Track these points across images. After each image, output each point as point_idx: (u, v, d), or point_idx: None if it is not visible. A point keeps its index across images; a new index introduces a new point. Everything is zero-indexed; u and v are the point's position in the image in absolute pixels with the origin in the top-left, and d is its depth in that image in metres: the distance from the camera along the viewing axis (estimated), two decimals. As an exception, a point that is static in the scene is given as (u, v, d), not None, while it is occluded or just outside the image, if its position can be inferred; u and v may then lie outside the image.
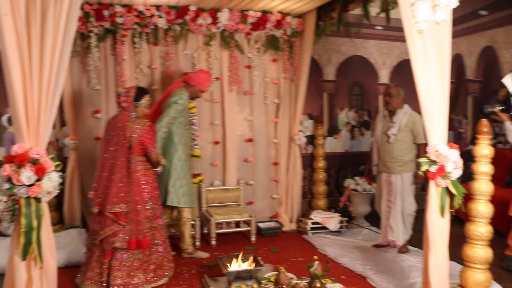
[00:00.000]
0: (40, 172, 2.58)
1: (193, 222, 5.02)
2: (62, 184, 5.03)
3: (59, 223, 5.30)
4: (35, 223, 2.63)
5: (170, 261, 4.17)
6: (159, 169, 4.16)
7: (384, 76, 6.93)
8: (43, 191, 2.60)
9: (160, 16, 5.31)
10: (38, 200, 2.65)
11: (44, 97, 2.68)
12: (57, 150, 5.53)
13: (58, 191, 2.72)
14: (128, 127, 3.87)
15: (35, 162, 2.60)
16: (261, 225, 5.60)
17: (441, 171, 3.11)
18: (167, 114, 4.54)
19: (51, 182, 2.63)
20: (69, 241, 4.71)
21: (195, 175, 4.98)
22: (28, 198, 2.63)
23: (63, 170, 5.07)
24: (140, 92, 4.05)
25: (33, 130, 2.67)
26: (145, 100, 4.04)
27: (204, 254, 4.81)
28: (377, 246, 5.06)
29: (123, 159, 3.87)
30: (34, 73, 2.65)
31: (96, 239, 3.86)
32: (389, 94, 4.79)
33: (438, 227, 3.17)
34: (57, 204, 5.29)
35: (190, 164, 4.82)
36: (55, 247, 4.40)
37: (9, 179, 2.59)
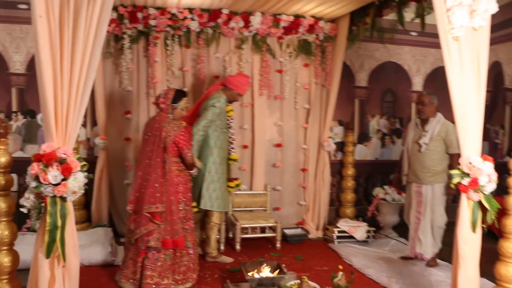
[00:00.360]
0: (66, 172, 2.61)
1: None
2: (90, 183, 5.29)
3: (87, 221, 5.36)
4: (59, 222, 2.65)
5: (197, 264, 4.17)
6: (194, 171, 4.18)
7: (417, 84, 6.78)
8: (68, 190, 2.62)
9: (192, 19, 5.34)
10: (63, 199, 2.68)
11: (73, 98, 2.71)
12: (88, 149, 5.63)
13: (83, 191, 2.74)
14: (164, 128, 3.91)
15: (62, 162, 2.63)
16: (287, 231, 5.53)
17: (474, 184, 3.00)
18: (204, 117, 4.52)
19: (76, 182, 2.65)
20: (95, 240, 4.75)
21: (232, 179, 4.92)
22: (54, 197, 2.65)
23: (91, 170, 5.27)
24: (179, 94, 4.06)
25: (61, 130, 2.70)
26: (183, 103, 4.06)
27: (228, 259, 4.78)
28: (404, 258, 4.93)
29: (158, 160, 3.91)
30: (64, 74, 2.68)
31: (132, 238, 3.92)
32: (422, 102, 4.67)
33: (469, 242, 3.06)
34: (85, 203, 5.36)
35: (225, 167, 4.78)
36: (80, 245, 4.56)
37: (36, 178, 2.63)
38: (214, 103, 4.56)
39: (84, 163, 2.80)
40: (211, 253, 4.75)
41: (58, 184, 2.61)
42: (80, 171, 2.71)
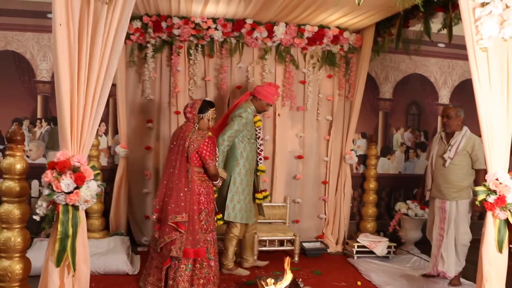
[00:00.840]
0: (79, 180, 2.58)
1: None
2: (109, 191, 5.33)
3: (105, 229, 5.35)
4: (70, 231, 2.63)
5: (218, 277, 4.13)
6: (218, 182, 4.20)
7: (444, 96, 6.62)
8: (80, 199, 2.60)
9: (216, 29, 5.31)
10: (76, 207, 2.66)
11: (89, 106, 2.69)
12: (108, 157, 5.65)
13: (95, 200, 2.71)
14: (188, 138, 3.93)
15: (75, 170, 2.61)
16: (306, 245, 5.44)
17: (501, 202, 2.88)
18: (230, 128, 4.50)
19: (89, 190, 2.62)
20: (112, 248, 4.76)
21: (260, 191, 4.86)
22: (66, 205, 2.64)
23: (111, 178, 5.31)
24: (205, 105, 4.06)
25: (76, 138, 2.69)
26: (209, 113, 4.04)
27: (244, 272, 4.72)
28: (426, 276, 4.76)
29: (182, 169, 3.94)
30: (81, 82, 2.67)
31: (157, 247, 3.97)
32: (448, 115, 4.53)
33: (495, 263, 2.93)
34: (104, 211, 5.36)
35: (251, 179, 4.71)
36: (97, 253, 4.59)
37: (49, 185, 2.61)
38: (241, 113, 4.54)
39: (98, 171, 2.78)
40: (227, 265, 4.70)
41: (71, 192, 2.59)
42: (93, 179, 2.68)
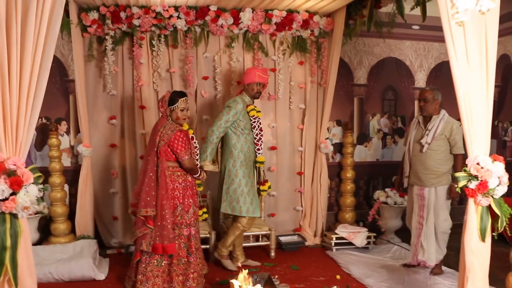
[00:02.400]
0: (16, 185, 2.29)
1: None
2: (74, 193, 5.06)
3: (71, 233, 5.09)
4: (9, 242, 2.34)
5: (200, 274, 3.99)
6: (200, 176, 4.18)
7: (420, 80, 6.46)
8: (18, 206, 2.31)
9: (179, 17, 5.06)
10: (14, 216, 2.37)
11: (24, 103, 2.40)
12: (72, 157, 5.37)
13: (37, 206, 2.43)
14: (158, 132, 3.88)
15: (10, 174, 2.32)
16: (282, 239, 5.26)
17: (483, 188, 2.68)
18: (219, 118, 4.44)
19: (28, 196, 2.34)
20: (77, 253, 4.50)
21: (262, 182, 4.68)
22: (2, 213, 2.34)
23: (75, 179, 5.03)
24: (174, 95, 3.94)
25: (11, 138, 2.39)
26: (179, 103, 3.91)
27: (231, 266, 4.56)
28: (406, 265, 4.62)
29: (151, 164, 3.87)
30: (12, 77, 2.37)
31: (132, 240, 4.06)
32: (424, 99, 4.35)
33: (478, 253, 2.75)
34: (69, 214, 5.10)
35: (249, 170, 4.55)
36: (61, 259, 4.33)
37: (-19, 192, 2.32)
38: (230, 103, 4.48)
39: (39, 174, 2.50)
40: (220, 251, 4.60)
41: (6, 199, 2.30)
42: (33, 183, 2.39)
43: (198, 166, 4.19)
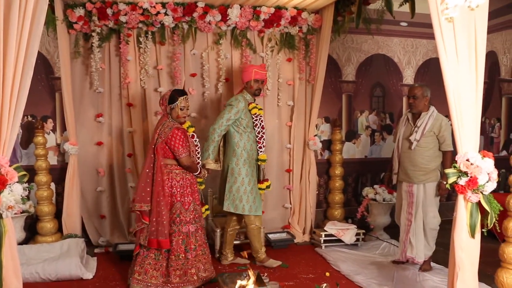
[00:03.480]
0: (0, 184, 2.24)
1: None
2: (61, 191, 5.00)
3: (58, 232, 5.04)
4: (-9, 242, 2.30)
5: (200, 270, 4.03)
6: (200, 174, 4.20)
7: (409, 76, 6.47)
8: (2, 205, 2.26)
9: (166, 14, 5.00)
10: (-1, 215, 2.32)
11: (7, 100, 2.35)
12: (58, 156, 5.30)
13: (22, 205, 2.38)
14: (158, 130, 3.95)
15: (-6, 173, 2.27)
16: (271, 236, 5.24)
17: (473, 184, 2.68)
18: (220, 117, 4.45)
19: (12, 195, 2.29)
20: (64, 252, 4.47)
21: (262, 181, 4.66)
22: (-14, 213, 2.30)
23: (62, 178, 4.96)
24: (174, 94, 3.97)
25: (-6, 135, 2.34)
26: (179, 102, 3.94)
27: (276, 263, 4.59)
28: (395, 262, 4.62)
29: (149, 161, 3.95)
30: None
31: (132, 232, 4.19)
32: (414, 96, 4.34)
33: (467, 249, 2.75)
34: (56, 212, 5.04)
35: (251, 169, 4.53)
36: (48, 258, 4.27)
37: (-36, 192, 2.27)
38: (231, 101, 4.49)
39: (24, 173, 2.45)
40: (258, 257, 4.64)
41: (-11, 198, 2.26)
42: (18, 182, 2.34)
43: (199, 165, 4.22)
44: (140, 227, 3.91)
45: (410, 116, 4.47)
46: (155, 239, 3.85)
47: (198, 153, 4.29)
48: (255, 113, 4.52)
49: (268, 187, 4.70)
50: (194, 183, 4.08)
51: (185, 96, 3.99)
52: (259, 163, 4.62)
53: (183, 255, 3.93)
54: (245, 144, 4.48)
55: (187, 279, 3.91)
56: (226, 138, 4.58)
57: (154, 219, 3.86)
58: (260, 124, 4.56)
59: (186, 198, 3.98)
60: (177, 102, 3.93)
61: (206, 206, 4.60)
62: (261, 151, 4.59)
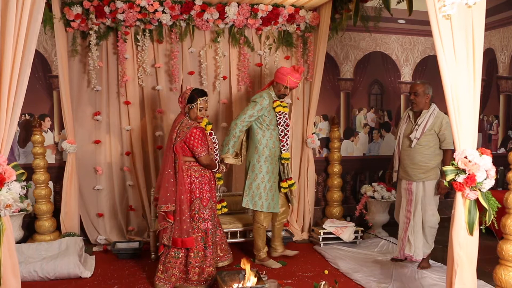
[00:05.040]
0: (-2, 183, 2.24)
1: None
2: (59, 190, 4.99)
3: (56, 230, 5.03)
4: (-10, 241, 2.29)
5: (215, 268, 4.09)
6: (219, 169, 4.25)
7: (406, 74, 6.47)
8: (0, 203, 2.25)
9: (164, 12, 4.99)
10: (-4, 214, 2.31)
11: (5, 99, 2.34)
12: (56, 154, 5.28)
13: (20, 204, 2.37)
14: (176, 129, 3.96)
15: (-9, 171, 2.27)
16: (270, 234, 5.18)
17: (471, 181, 2.68)
18: (243, 113, 4.44)
19: (10, 194, 2.28)
20: (63, 251, 4.45)
21: (285, 179, 4.62)
22: (-16, 212, 2.29)
23: (60, 176, 4.95)
24: (194, 94, 3.97)
25: (-8, 134, 2.33)
26: (198, 103, 3.94)
27: (275, 264, 4.59)
28: (394, 260, 4.62)
29: (169, 160, 3.97)
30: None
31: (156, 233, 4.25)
32: (415, 93, 4.31)
33: (466, 246, 2.75)
34: (54, 211, 5.04)
35: (273, 166, 4.52)
36: (46, 257, 4.26)
37: (-38, 190, 2.26)
38: (255, 98, 4.47)
39: (22, 171, 2.44)
40: (259, 256, 4.64)
41: (-13, 197, 2.25)
42: (16, 180, 2.34)
43: (217, 160, 4.27)
44: (163, 227, 3.94)
45: (411, 113, 4.44)
46: (179, 238, 3.89)
47: (217, 149, 4.31)
48: (279, 111, 4.51)
49: (290, 185, 4.65)
50: (212, 179, 4.12)
51: (205, 97, 3.99)
52: (282, 161, 4.60)
53: (202, 253, 3.98)
54: (268, 142, 4.48)
55: (204, 277, 3.94)
56: (249, 134, 4.58)
57: (178, 217, 3.90)
58: (285, 122, 4.56)
59: (204, 195, 4.02)
60: (196, 103, 3.94)
61: (224, 203, 4.61)
62: (284, 149, 4.57)
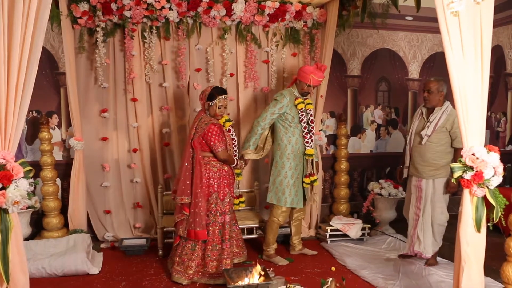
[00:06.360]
0: (5, 180, 2.25)
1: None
2: (67, 187, 5.01)
3: (64, 227, 5.05)
4: (-1, 237, 2.31)
5: (232, 260, 4.16)
6: (238, 165, 4.29)
7: (414, 71, 6.43)
8: (8, 200, 2.27)
9: (170, 8, 4.98)
10: (4, 210, 2.32)
11: (13, 95, 2.35)
12: (63, 151, 5.31)
13: (28, 201, 2.38)
14: (195, 125, 4.11)
15: (0, 168, 2.27)
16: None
17: (478, 178, 2.67)
18: (265, 110, 4.55)
19: (18, 190, 2.29)
20: (70, 248, 4.47)
21: (307, 175, 4.64)
22: (-8, 209, 2.30)
23: (68, 173, 4.98)
24: (213, 92, 4.09)
25: (0, 131, 2.34)
26: (217, 100, 4.07)
27: (282, 261, 4.60)
28: (402, 256, 4.61)
29: (187, 154, 4.11)
30: (0, 68, 2.32)
31: (173, 225, 4.34)
32: (428, 90, 4.27)
33: (473, 244, 2.74)
34: (62, 208, 5.06)
35: (296, 162, 4.57)
36: (54, 254, 4.29)
37: (-31, 187, 2.28)
38: (276, 96, 4.55)
39: (29, 168, 2.45)
40: (266, 251, 4.68)
41: (-5, 194, 2.26)
42: (24, 177, 2.35)
43: (237, 156, 4.36)
44: (180, 219, 4.07)
45: (424, 110, 4.41)
46: (192, 230, 4.00)
47: (235, 146, 4.40)
48: (301, 108, 4.53)
49: (313, 181, 4.67)
50: (231, 174, 4.22)
51: (224, 95, 4.11)
52: (306, 158, 4.62)
53: (220, 246, 4.07)
54: (290, 138, 4.53)
55: (222, 270, 3.95)
56: (273, 130, 4.67)
57: (193, 210, 4.01)
58: (309, 118, 4.60)
59: (222, 189, 4.12)
60: (215, 100, 4.05)
61: (242, 199, 4.72)
62: (308, 146, 4.60)
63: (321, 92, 5.41)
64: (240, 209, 5.04)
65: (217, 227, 4.09)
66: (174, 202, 4.19)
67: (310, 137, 4.61)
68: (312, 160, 4.65)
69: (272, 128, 4.67)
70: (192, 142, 4.07)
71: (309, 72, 4.48)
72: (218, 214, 4.09)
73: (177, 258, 4.08)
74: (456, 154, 4.18)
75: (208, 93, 4.08)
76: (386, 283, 3.96)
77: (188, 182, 4.05)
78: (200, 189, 4.02)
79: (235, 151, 4.38)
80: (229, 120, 4.47)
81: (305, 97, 4.61)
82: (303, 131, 4.57)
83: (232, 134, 4.42)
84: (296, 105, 4.52)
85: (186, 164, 4.09)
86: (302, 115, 4.53)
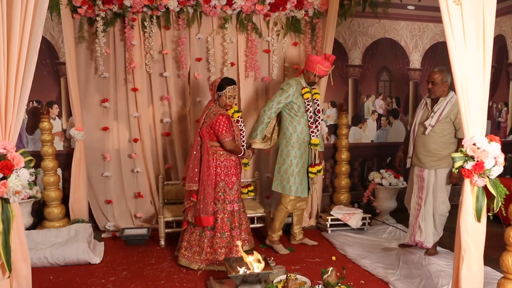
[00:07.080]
0: (6, 169, 2.25)
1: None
2: (68, 177, 5.02)
3: (65, 217, 5.07)
4: (0, 227, 2.30)
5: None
6: (245, 155, 4.33)
7: (415, 61, 6.40)
8: (9, 190, 2.27)
9: (171, -3, 4.96)
10: (5, 200, 2.32)
11: (12, 85, 2.33)
12: (64, 141, 5.31)
13: (29, 190, 2.38)
14: (204, 114, 4.17)
15: (0, 158, 2.27)
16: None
17: (479, 168, 2.66)
18: (270, 100, 4.59)
19: (19, 180, 2.29)
20: (72, 237, 4.49)
21: (313, 165, 4.65)
22: (-7, 198, 2.31)
23: (69, 163, 4.98)
24: (223, 83, 4.14)
25: (0, 121, 2.33)
26: (227, 91, 4.11)
27: (283, 250, 4.63)
28: (403, 245, 4.63)
29: (196, 143, 4.21)
30: (0, 57, 2.31)
31: (182, 210, 4.41)
32: (432, 82, 4.25)
33: (473, 233, 2.74)
34: (63, 198, 5.07)
35: (301, 152, 4.58)
36: (56, 243, 4.30)
37: (-31, 177, 2.28)
38: (283, 85, 4.58)
39: (30, 158, 2.45)
40: (270, 237, 4.74)
41: (-4, 184, 2.26)
42: (24, 167, 2.35)
43: (244, 146, 4.38)
44: (189, 205, 4.18)
45: (428, 100, 4.39)
46: (198, 216, 4.09)
47: (243, 136, 4.40)
48: (308, 98, 4.53)
49: (319, 171, 4.69)
50: (238, 164, 4.28)
51: (233, 86, 4.16)
52: (311, 147, 4.63)
53: (229, 233, 4.15)
54: (296, 127, 4.55)
55: (232, 256, 4.02)
56: (280, 120, 4.68)
57: (201, 197, 4.09)
58: (316, 108, 4.61)
59: (230, 178, 4.19)
60: (224, 91, 4.10)
61: (251, 188, 4.74)
62: (313, 135, 4.61)
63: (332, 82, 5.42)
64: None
65: (226, 215, 4.15)
66: (183, 189, 4.28)
67: (316, 126, 4.60)
68: (317, 150, 4.65)
69: (279, 117, 4.67)
70: (200, 131, 4.15)
71: (315, 62, 4.45)
72: (226, 202, 4.16)
73: (184, 243, 4.19)
74: (460, 144, 4.14)
75: (218, 83, 4.13)
76: (386, 272, 3.97)
77: (196, 170, 4.14)
78: (208, 177, 4.10)
79: (243, 141, 4.39)
80: (238, 111, 4.49)
81: (312, 87, 4.60)
82: (309, 121, 4.56)
83: (240, 125, 4.44)
84: (302, 95, 4.52)
85: (194, 152, 4.18)
86: (308, 104, 4.53)
